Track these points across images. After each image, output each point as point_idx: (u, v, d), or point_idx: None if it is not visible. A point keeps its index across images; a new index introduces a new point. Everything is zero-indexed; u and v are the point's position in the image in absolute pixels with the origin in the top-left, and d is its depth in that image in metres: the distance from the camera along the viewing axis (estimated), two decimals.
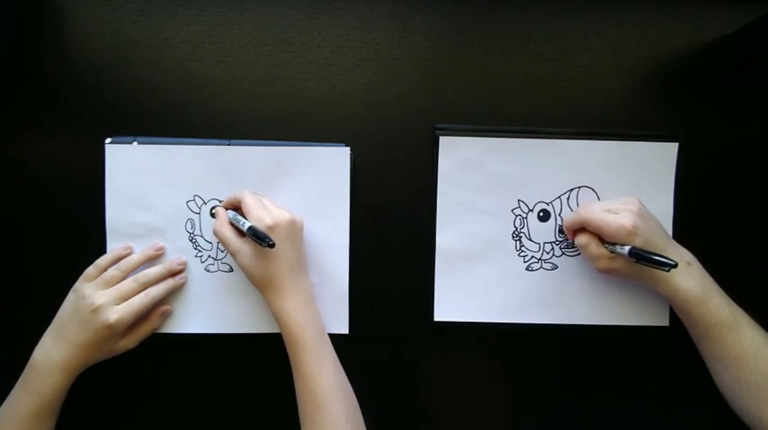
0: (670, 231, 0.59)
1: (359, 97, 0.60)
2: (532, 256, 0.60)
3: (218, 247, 0.60)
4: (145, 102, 0.59)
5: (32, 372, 0.53)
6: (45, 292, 0.57)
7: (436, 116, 0.60)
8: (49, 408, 0.53)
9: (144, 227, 0.59)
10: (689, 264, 0.54)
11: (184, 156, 0.59)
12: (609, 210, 0.54)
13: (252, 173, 0.59)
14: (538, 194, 0.60)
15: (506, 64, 0.60)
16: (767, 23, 0.57)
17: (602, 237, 0.54)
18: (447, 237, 0.60)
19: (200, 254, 0.60)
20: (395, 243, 0.60)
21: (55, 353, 0.53)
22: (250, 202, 0.54)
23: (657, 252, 0.50)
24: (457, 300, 0.60)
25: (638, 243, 0.51)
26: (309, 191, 0.59)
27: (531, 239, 0.60)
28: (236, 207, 0.57)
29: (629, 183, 0.59)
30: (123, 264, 0.57)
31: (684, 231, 0.59)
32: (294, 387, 0.54)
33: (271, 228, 0.52)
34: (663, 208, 0.59)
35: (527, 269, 0.60)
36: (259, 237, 0.51)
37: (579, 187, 0.60)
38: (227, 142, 0.59)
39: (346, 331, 0.59)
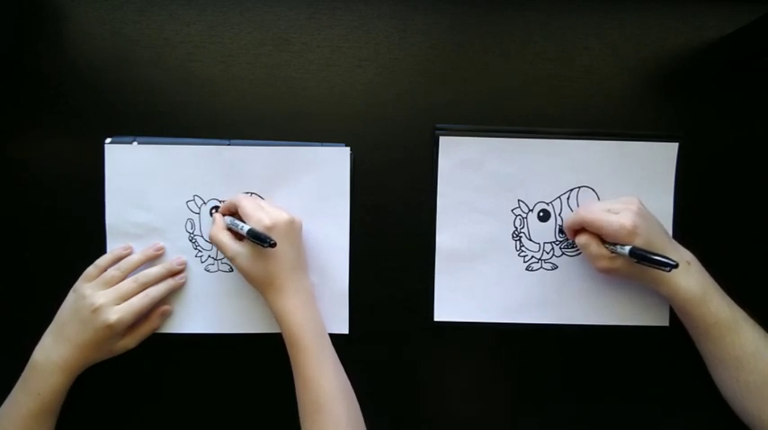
0: (670, 231, 0.59)
1: (359, 97, 0.60)
2: (532, 256, 0.60)
3: None
4: (145, 102, 0.59)
5: (32, 372, 0.53)
6: (45, 292, 0.57)
7: (436, 116, 0.60)
8: (49, 408, 0.53)
9: (144, 227, 0.59)
10: (689, 263, 0.54)
11: (184, 156, 0.59)
12: (609, 210, 0.54)
13: (252, 173, 0.59)
14: (538, 194, 0.60)
15: (506, 64, 0.60)
16: (767, 23, 0.57)
17: (602, 237, 0.54)
18: (447, 237, 0.60)
19: (200, 254, 0.60)
20: (395, 243, 0.60)
21: (55, 353, 0.53)
22: (246, 205, 0.54)
23: (658, 252, 0.50)
24: (457, 300, 0.60)
25: (639, 243, 0.51)
26: (309, 191, 0.59)
27: (531, 239, 0.60)
28: (233, 212, 0.57)
29: (629, 183, 0.59)
30: (123, 264, 0.57)
31: (684, 231, 0.59)
32: (294, 387, 0.54)
33: (269, 228, 0.52)
34: (663, 208, 0.59)
35: (527, 269, 0.60)
36: (260, 238, 0.51)
37: (579, 187, 0.60)
38: (227, 142, 0.59)
39: (346, 331, 0.59)
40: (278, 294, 0.54)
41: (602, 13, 0.60)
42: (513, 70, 0.60)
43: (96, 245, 0.59)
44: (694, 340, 0.57)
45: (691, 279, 0.53)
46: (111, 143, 0.58)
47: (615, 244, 0.53)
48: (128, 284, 0.56)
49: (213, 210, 0.59)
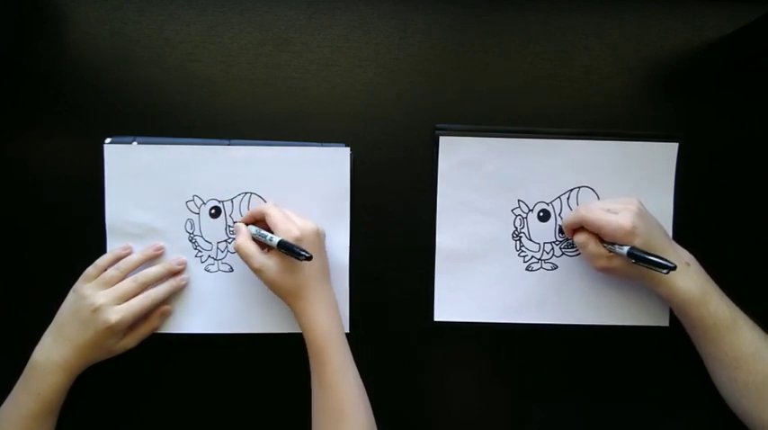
0: (670, 231, 0.59)
1: (359, 97, 0.60)
2: (532, 256, 0.60)
3: (217, 248, 0.60)
4: (145, 102, 0.59)
5: (33, 372, 0.53)
6: (45, 292, 0.57)
7: (436, 116, 0.60)
8: (49, 408, 0.53)
9: (144, 227, 0.59)
10: (688, 264, 0.54)
11: (184, 156, 0.59)
12: (609, 210, 0.54)
13: (252, 173, 0.59)
14: (538, 194, 0.60)
15: (506, 64, 0.60)
16: (767, 23, 0.57)
17: (601, 237, 0.54)
18: (447, 237, 0.60)
19: (199, 254, 0.60)
20: (395, 243, 0.60)
21: (55, 353, 0.53)
22: (275, 215, 0.54)
23: (656, 253, 0.50)
24: (457, 300, 0.60)
25: (638, 243, 0.51)
26: (309, 191, 0.59)
27: (531, 239, 0.60)
28: (257, 221, 0.57)
29: (629, 183, 0.59)
30: (123, 264, 0.57)
31: (684, 231, 0.59)
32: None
33: (299, 239, 0.52)
34: (663, 208, 0.59)
35: (527, 269, 0.60)
36: (293, 251, 0.50)
37: (579, 187, 0.60)
38: (227, 142, 0.59)
39: (346, 331, 0.59)
40: (305, 304, 0.53)
41: (602, 13, 0.60)
42: (513, 70, 0.60)
43: (96, 245, 0.59)
44: (693, 341, 0.57)
45: (689, 280, 0.53)
46: (110, 143, 0.58)
47: (614, 243, 0.53)
48: (128, 284, 0.56)
49: (213, 210, 0.59)
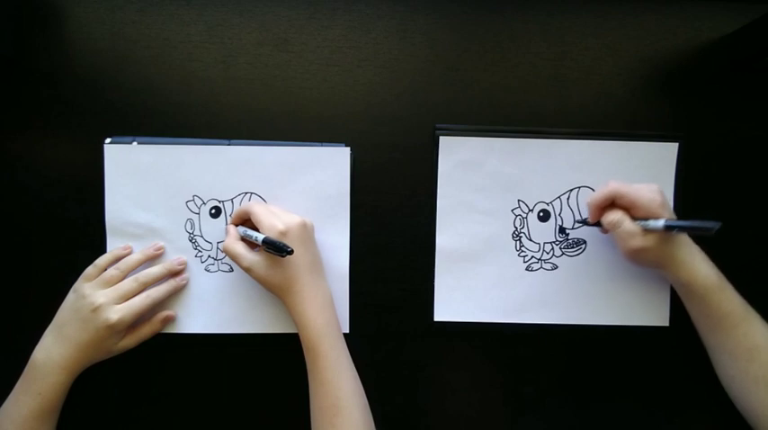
0: None
1: (359, 97, 0.60)
2: (532, 256, 0.60)
3: (217, 248, 0.60)
4: (145, 102, 0.59)
5: (33, 372, 0.53)
6: (45, 292, 0.57)
7: (436, 116, 0.60)
8: (49, 408, 0.53)
9: (144, 227, 0.59)
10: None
11: (184, 156, 0.59)
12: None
13: (252, 173, 0.59)
14: (538, 194, 0.60)
15: (506, 64, 0.60)
16: (767, 23, 0.57)
17: (632, 214, 0.53)
18: (447, 238, 0.60)
19: (200, 254, 0.60)
20: (395, 243, 0.60)
21: (55, 353, 0.53)
22: (258, 212, 0.54)
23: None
24: (457, 299, 0.60)
25: (667, 217, 0.51)
26: (309, 191, 0.59)
27: (531, 239, 0.60)
28: (245, 221, 0.57)
29: (630, 183, 0.59)
30: (123, 263, 0.57)
31: None
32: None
33: (283, 233, 0.52)
34: None
35: (527, 269, 0.60)
36: (276, 247, 0.51)
37: (579, 187, 0.60)
38: (227, 142, 0.59)
39: (346, 331, 0.59)
40: (297, 299, 0.53)
41: (602, 13, 0.60)
42: (513, 70, 0.60)
43: (96, 245, 0.59)
44: (704, 332, 0.56)
45: (709, 266, 0.53)
46: (110, 143, 0.58)
47: (646, 219, 0.52)
48: (128, 284, 0.56)
49: (213, 210, 0.59)
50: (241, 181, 0.59)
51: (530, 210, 0.60)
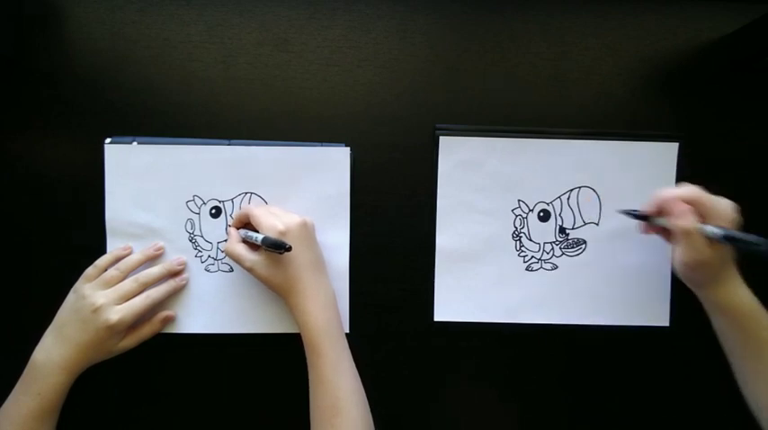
0: None
1: (359, 97, 0.60)
2: (532, 256, 0.60)
3: (217, 248, 0.60)
4: (145, 102, 0.59)
5: (33, 372, 0.53)
6: (45, 292, 0.57)
7: (436, 116, 0.60)
8: (49, 408, 0.53)
9: (144, 227, 0.59)
10: None
11: (184, 156, 0.59)
12: None
13: (252, 173, 0.59)
14: (538, 194, 0.60)
15: (506, 64, 0.60)
16: (767, 23, 0.57)
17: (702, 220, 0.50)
18: (447, 238, 0.60)
19: (200, 254, 0.60)
20: (395, 243, 0.60)
21: (55, 353, 0.53)
22: (258, 213, 0.55)
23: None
24: (457, 300, 0.60)
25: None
26: (309, 191, 0.59)
27: (531, 239, 0.60)
28: (246, 223, 0.57)
29: (630, 183, 0.59)
30: (123, 264, 0.57)
31: None
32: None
33: (283, 233, 0.52)
34: None
35: (527, 269, 0.60)
36: (275, 245, 0.51)
37: (579, 187, 0.60)
38: (227, 142, 0.59)
39: (346, 331, 0.59)
40: (299, 298, 0.53)
41: (602, 13, 0.60)
42: (513, 70, 0.60)
43: (96, 245, 0.59)
44: (737, 357, 0.53)
45: (748, 291, 0.51)
46: (111, 143, 0.58)
47: (714, 228, 0.48)
48: (128, 284, 0.56)
49: (213, 211, 0.59)
50: (241, 181, 0.59)
51: (530, 210, 0.60)
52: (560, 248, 0.60)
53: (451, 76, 0.60)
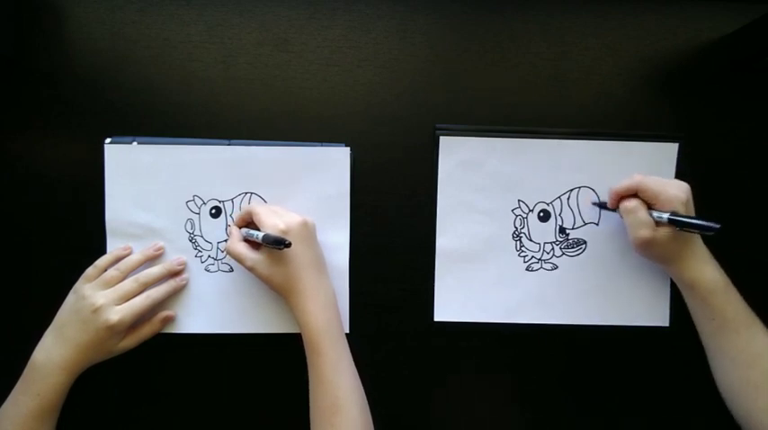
0: None
1: (359, 97, 0.60)
2: (532, 256, 0.60)
3: (217, 248, 0.60)
4: (145, 102, 0.59)
5: (33, 372, 0.53)
6: (45, 292, 0.57)
7: (436, 116, 0.60)
8: (49, 408, 0.53)
9: (144, 227, 0.59)
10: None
11: (184, 156, 0.59)
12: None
13: (252, 173, 0.59)
14: (538, 194, 0.60)
15: (506, 64, 0.60)
16: (767, 23, 0.57)
17: (650, 205, 0.53)
18: (447, 238, 0.60)
19: (200, 254, 0.60)
20: (395, 243, 0.60)
21: (55, 353, 0.53)
22: (260, 212, 0.55)
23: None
24: (457, 300, 0.60)
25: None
26: (309, 191, 0.59)
27: (531, 239, 0.60)
28: (249, 222, 0.57)
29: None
30: (123, 264, 0.57)
31: None
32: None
33: (284, 232, 0.53)
34: None
35: (527, 269, 0.60)
36: (275, 242, 0.51)
37: (579, 187, 0.60)
38: (227, 142, 0.59)
39: (346, 331, 0.59)
40: (299, 297, 0.53)
41: (602, 13, 0.60)
42: (513, 70, 0.60)
43: (96, 245, 0.59)
44: (705, 335, 0.56)
45: (716, 269, 0.53)
46: (111, 143, 0.58)
47: (660, 211, 0.52)
48: (128, 284, 0.56)
49: (213, 211, 0.59)
50: (241, 181, 0.59)
51: (530, 211, 0.60)
52: (560, 248, 0.60)
53: (451, 76, 0.60)
